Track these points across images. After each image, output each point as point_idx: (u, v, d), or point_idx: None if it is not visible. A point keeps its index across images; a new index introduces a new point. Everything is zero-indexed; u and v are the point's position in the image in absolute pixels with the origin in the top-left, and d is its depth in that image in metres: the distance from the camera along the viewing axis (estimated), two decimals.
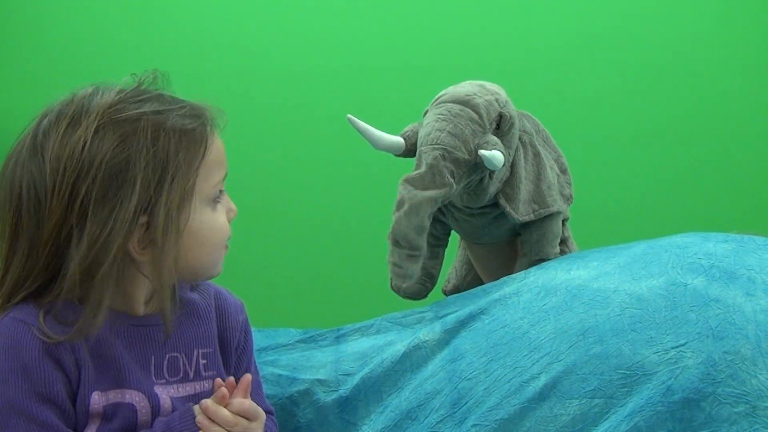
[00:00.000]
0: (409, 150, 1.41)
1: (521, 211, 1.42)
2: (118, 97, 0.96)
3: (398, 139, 1.42)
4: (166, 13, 2.44)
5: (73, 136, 0.93)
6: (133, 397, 0.96)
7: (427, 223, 1.33)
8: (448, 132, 1.35)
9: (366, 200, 2.38)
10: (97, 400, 0.94)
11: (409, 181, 1.35)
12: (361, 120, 1.42)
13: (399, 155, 1.43)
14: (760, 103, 2.39)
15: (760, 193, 2.39)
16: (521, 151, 1.44)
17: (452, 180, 1.33)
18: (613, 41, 2.39)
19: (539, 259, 1.46)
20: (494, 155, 1.33)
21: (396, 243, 1.34)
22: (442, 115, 1.37)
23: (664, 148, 2.40)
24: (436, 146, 1.34)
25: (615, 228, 2.29)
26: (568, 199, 1.51)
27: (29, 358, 0.92)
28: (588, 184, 2.28)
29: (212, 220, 0.99)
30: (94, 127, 0.93)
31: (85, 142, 0.92)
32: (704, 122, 2.39)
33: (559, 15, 2.40)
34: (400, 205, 1.34)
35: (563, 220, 1.53)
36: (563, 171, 1.52)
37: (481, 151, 1.33)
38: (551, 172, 1.48)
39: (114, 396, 0.95)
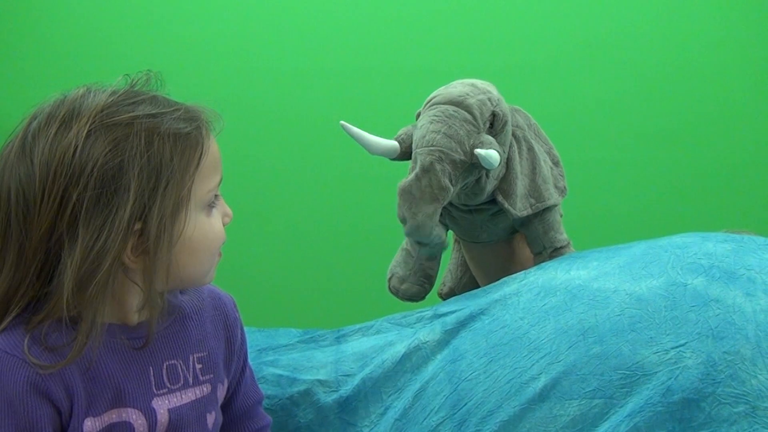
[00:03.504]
0: (405, 153, 1.40)
1: (519, 207, 1.43)
2: (110, 99, 0.91)
3: (393, 143, 1.40)
4: (164, 12, 2.44)
5: (63, 141, 0.88)
6: (130, 415, 0.94)
7: (435, 230, 1.36)
8: (444, 133, 1.34)
9: (366, 201, 2.38)
10: (91, 426, 0.92)
11: (405, 191, 1.34)
12: (357, 122, 1.41)
13: (394, 159, 1.42)
14: (760, 103, 2.39)
15: (760, 193, 2.39)
16: (515, 146, 1.44)
17: (449, 183, 1.33)
18: (614, 43, 2.38)
19: (554, 250, 1.46)
20: (490, 154, 1.32)
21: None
22: (436, 116, 1.36)
23: (664, 148, 2.39)
24: (432, 149, 1.33)
25: (615, 228, 2.29)
26: (562, 191, 1.51)
27: (14, 392, 0.88)
28: (588, 185, 2.29)
29: (206, 227, 0.96)
30: (85, 130, 0.88)
31: (77, 146, 0.88)
32: (704, 123, 2.39)
33: (560, 17, 2.39)
34: (402, 221, 1.35)
35: None
36: (556, 163, 1.52)
37: (477, 150, 1.33)
38: (545, 165, 1.48)
39: (109, 417, 0.93)
